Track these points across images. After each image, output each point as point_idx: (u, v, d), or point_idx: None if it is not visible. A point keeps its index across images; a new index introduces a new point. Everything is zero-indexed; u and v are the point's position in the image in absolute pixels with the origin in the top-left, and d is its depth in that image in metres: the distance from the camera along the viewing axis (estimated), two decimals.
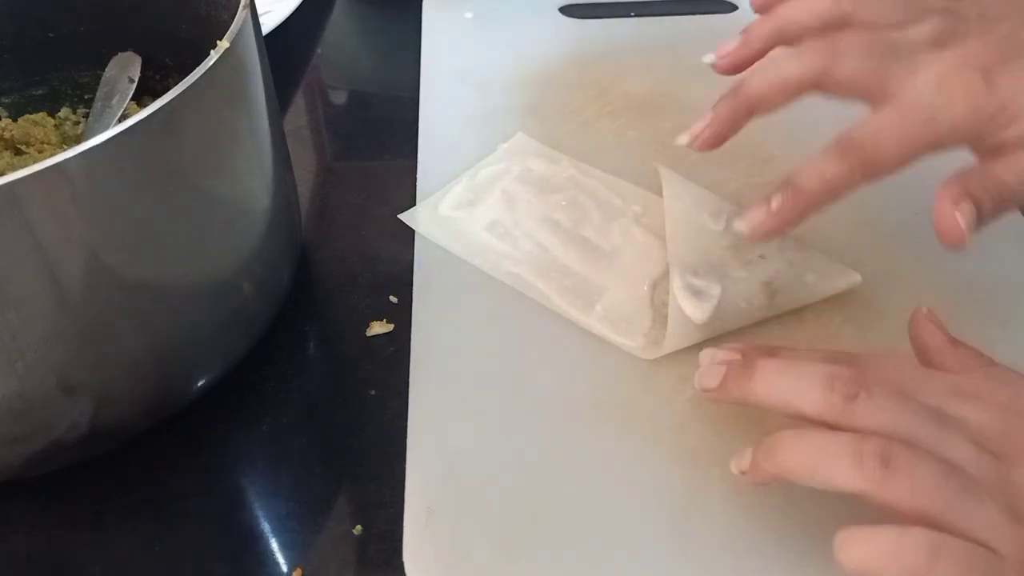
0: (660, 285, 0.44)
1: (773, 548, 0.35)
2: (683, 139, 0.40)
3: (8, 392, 0.33)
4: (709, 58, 0.41)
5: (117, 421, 0.38)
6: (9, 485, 0.39)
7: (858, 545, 0.29)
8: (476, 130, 0.54)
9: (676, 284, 0.42)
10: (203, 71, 0.33)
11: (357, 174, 0.56)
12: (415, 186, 0.51)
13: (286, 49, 0.64)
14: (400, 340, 0.44)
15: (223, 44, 0.34)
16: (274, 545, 0.37)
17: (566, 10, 0.65)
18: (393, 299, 0.46)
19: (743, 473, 0.33)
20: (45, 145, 0.48)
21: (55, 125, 0.49)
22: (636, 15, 0.64)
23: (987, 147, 0.36)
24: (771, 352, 0.36)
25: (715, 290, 0.41)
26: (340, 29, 0.69)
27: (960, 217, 0.34)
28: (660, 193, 0.47)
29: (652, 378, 0.40)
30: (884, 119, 0.36)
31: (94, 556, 0.37)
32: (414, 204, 0.50)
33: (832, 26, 0.39)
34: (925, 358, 0.35)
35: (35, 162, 0.29)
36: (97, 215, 0.31)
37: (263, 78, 0.39)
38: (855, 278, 0.42)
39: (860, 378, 0.31)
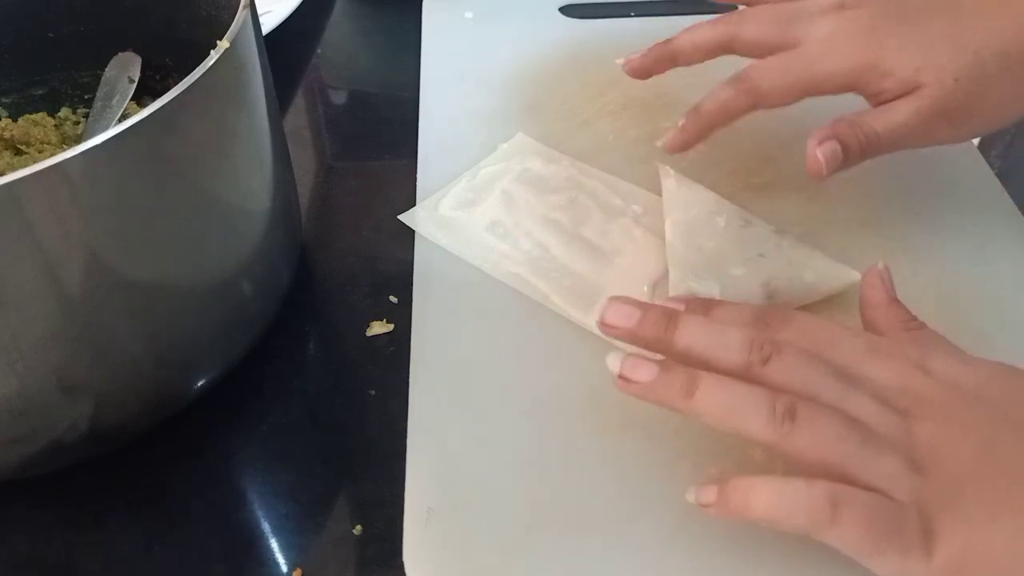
0: (660, 285, 0.44)
1: (773, 548, 0.35)
2: (621, 62, 0.49)
3: (8, 392, 0.33)
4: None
5: (117, 421, 0.38)
6: (9, 485, 0.39)
7: (764, 495, 0.30)
8: (476, 130, 0.54)
9: (675, 284, 0.42)
10: (203, 71, 0.33)
11: (357, 174, 0.56)
12: (415, 186, 0.51)
13: (286, 49, 0.64)
14: (400, 340, 0.44)
15: (223, 44, 0.34)
16: (274, 545, 0.37)
17: (566, 10, 0.64)
18: (393, 299, 0.46)
19: (627, 381, 0.34)
20: (45, 145, 0.47)
21: (55, 125, 0.49)
22: (636, 15, 0.64)
23: (869, 96, 0.42)
24: (706, 306, 0.38)
25: (714, 289, 0.41)
26: (340, 29, 0.69)
27: (821, 155, 0.40)
28: (660, 193, 0.47)
29: None
30: (774, 59, 0.43)
31: (94, 556, 0.37)
32: (414, 204, 0.49)
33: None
34: (864, 312, 0.38)
35: (35, 162, 0.29)
36: (97, 215, 0.31)
37: (263, 78, 0.39)
38: (854, 277, 0.42)
39: (776, 340, 0.33)
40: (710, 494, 0.32)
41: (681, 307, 0.36)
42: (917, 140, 0.42)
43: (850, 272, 0.43)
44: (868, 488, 0.30)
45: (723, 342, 0.33)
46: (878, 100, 0.42)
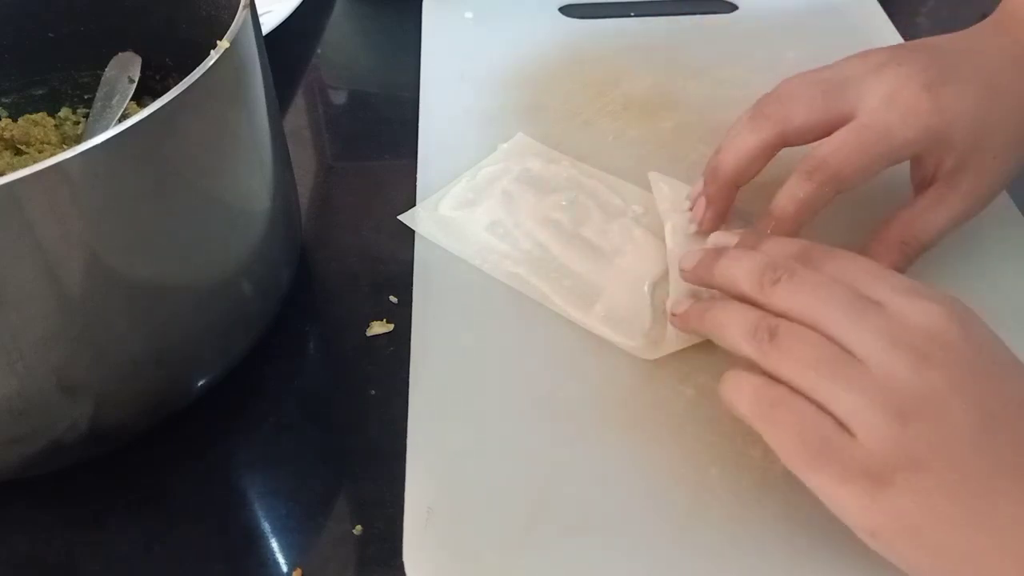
0: (660, 285, 0.44)
1: (773, 547, 0.35)
2: (692, 228, 0.44)
3: (8, 392, 0.33)
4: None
5: (117, 421, 0.38)
6: (9, 485, 0.39)
7: (728, 382, 0.34)
8: (476, 130, 0.54)
9: (675, 286, 0.42)
10: (203, 71, 0.33)
11: (357, 174, 0.56)
12: (415, 186, 0.51)
13: (286, 49, 0.64)
14: (400, 340, 0.44)
15: (223, 44, 0.34)
16: (274, 545, 0.37)
17: (566, 10, 0.64)
18: (393, 299, 0.46)
19: (674, 315, 0.40)
20: (45, 145, 0.47)
21: (55, 125, 0.49)
22: (636, 15, 0.64)
23: (928, 167, 0.41)
24: (757, 239, 0.39)
25: (715, 291, 0.41)
26: (340, 29, 0.69)
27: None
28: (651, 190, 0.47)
29: (652, 378, 0.40)
30: (844, 137, 0.40)
31: (94, 556, 0.37)
32: (414, 204, 0.49)
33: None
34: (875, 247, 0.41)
35: (35, 162, 0.29)
36: (97, 215, 0.31)
37: (263, 78, 0.39)
38: None
39: (793, 266, 0.35)
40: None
41: (734, 240, 0.40)
42: (953, 230, 0.42)
43: None
44: (839, 421, 0.31)
45: (744, 266, 0.36)
46: (930, 176, 0.42)
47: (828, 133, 0.41)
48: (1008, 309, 0.43)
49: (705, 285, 0.39)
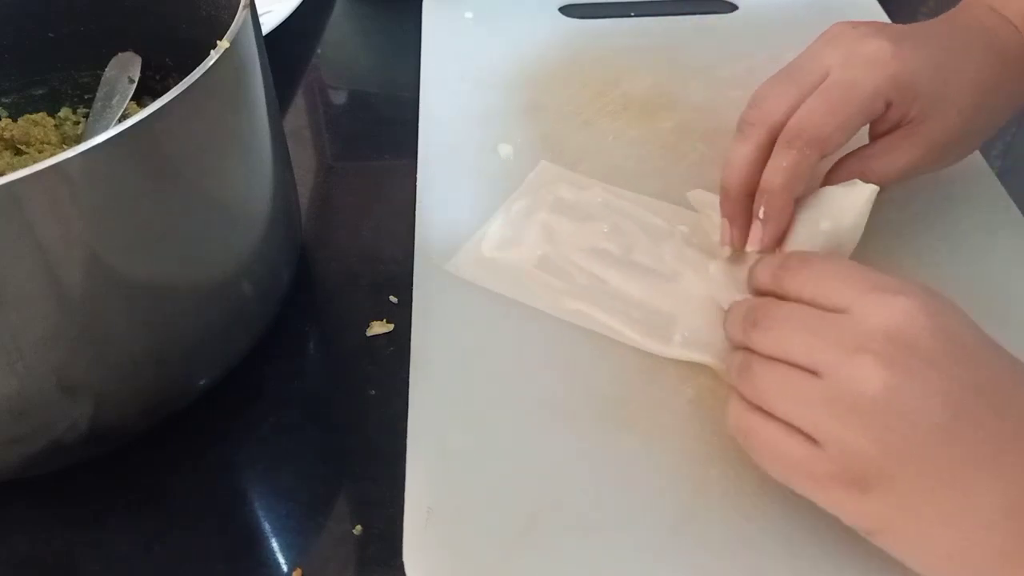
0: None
1: (773, 547, 0.35)
2: (726, 251, 0.44)
3: (8, 392, 0.33)
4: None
5: (117, 421, 0.38)
6: (9, 485, 0.39)
7: (727, 409, 0.35)
8: (476, 130, 0.54)
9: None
10: (203, 71, 0.33)
11: (357, 174, 0.56)
12: (415, 186, 0.51)
13: (286, 49, 0.64)
14: (400, 340, 0.44)
15: (223, 44, 0.34)
16: (274, 545, 0.37)
17: (566, 10, 0.64)
18: (393, 299, 0.46)
19: None
20: (45, 145, 0.47)
21: (55, 125, 0.49)
22: (636, 15, 0.64)
23: (892, 116, 0.42)
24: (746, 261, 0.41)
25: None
26: (340, 29, 0.69)
27: None
28: (690, 207, 0.47)
29: (652, 378, 0.40)
30: (814, 100, 0.41)
31: (94, 556, 0.37)
32: (414, 204, 0.49)
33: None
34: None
35: (35, 162, 0.29)
36: (97, 215, 0.31)
37: (263, 78, 0.39)
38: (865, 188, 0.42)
39: (765, 306, 0.36)
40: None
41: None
42: (908, 177, 0.43)
43: (858, 186, 0.42)
44: (801, 434, 0.32)
45: (732, 317, 0.37)
46: (892, 125, 0.42)
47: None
48: (1008, 309, 0.43)
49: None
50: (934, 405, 0.30)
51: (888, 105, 0.41)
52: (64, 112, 0.50)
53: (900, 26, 0.44)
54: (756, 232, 0.41)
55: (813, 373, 0.32)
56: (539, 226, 0.47)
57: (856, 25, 0.43)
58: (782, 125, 0.41)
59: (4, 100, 0.49)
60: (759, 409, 0.34)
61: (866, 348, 0.31)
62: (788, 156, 0.40)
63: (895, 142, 0.42)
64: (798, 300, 0.35)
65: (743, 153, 0.42)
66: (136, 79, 0.48)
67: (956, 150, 0.44)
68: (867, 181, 0.41)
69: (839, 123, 0.40)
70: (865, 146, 0.43)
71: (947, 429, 0.30)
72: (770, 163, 0.41)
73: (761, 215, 0.41)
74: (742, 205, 0.43)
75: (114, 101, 0.47)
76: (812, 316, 0.34)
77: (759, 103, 0.43)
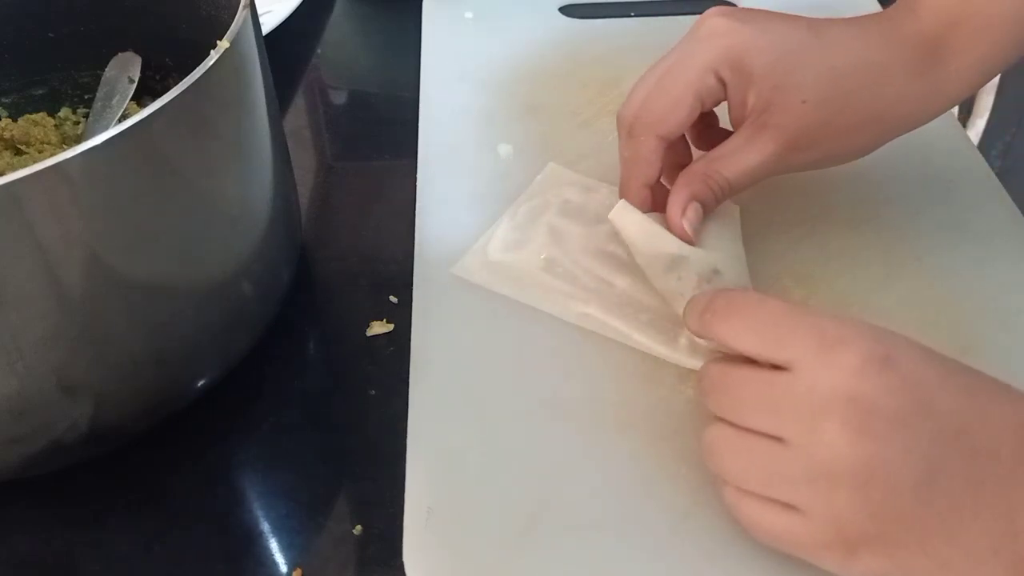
0: None
1: (773, 547, 0.34)
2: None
3: (8, 392, 0.33)
4: None
5: (117, 421, 0.38)
6: (9, 485, 0.39)
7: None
8: (476, 130, 0.54)
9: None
10: (203, 71, 0.33)
11: (357, 174, 0.56)
12: (415, 186, 0.51)
13: (286, 49, 0.64)
14: (400, 340, 0.44)
15: (223, 44, 0.34)
16: (274, 545, 0.37)
17: (566, 10, 0.64)
18: (393, 299, 0.46)
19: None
20: (45, 145, 0.47)
21: (55, 125, 0.49)
22: (636, 15, 0.64)
23: (735, 105, 0.41)
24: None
25: None
26: (340, 29, 0.69)
27: (687, 224, 0.40)
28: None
29: (652, 378, 0.40)
30: (649, 78, 0.42)
31: (94, 556, 0.37)
32: (414, 204, 0.49)
33: None
34: None
35: (35, 162, 0.29)
36: (97, 215, 0.31)
37: (263, 78, 0.39)
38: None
39: (706, 370, 0.35)
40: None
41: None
42: (771, 174, 0.41)
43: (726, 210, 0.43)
44: (777, 503, 0.32)
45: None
46: (740, 115, 0.41)
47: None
48: (1008, 310, 0.43)
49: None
50: (910, 464, 0.29)
51: (722, 83, 0.40)
52: (64, 112, 0.50)
53: (771, 14, 0.41)
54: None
55: (779, 440, 0.31)
56: (546, 228, 0.47)
57: (723, 8, 0.41)
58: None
59: (4, 100, 0.49)
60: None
61: (828, 414, 0.30)
62: (627, 146, 0.41)
63: (744, 139, 0.40)
64: (735, 350, 0.34)
65: (621, 152, 0.43)
66: (136, 79, 0.48)
67: (824, 148, 0.41)
68: (711, 184, 0.40)
69: (669, 102, 0.40)
70: (719, 146, 0.41)
71: (927, 484, 0.29)
72: (620, 153, 0.42)
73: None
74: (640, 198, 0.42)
75: (114, 101, 0.47)
76: (762, 383, 0.32)
77: (626, 101, 0.43)
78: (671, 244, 0.41)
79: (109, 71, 0.48)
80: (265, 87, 0.39)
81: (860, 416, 0.30)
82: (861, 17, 0.42)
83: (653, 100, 0.41)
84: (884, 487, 0.29)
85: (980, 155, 0.51)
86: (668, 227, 0.41)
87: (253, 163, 0.39)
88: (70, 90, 0.50)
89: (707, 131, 0.45)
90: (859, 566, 0.31)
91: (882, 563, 0.30)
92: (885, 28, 0.41)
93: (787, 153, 0.40)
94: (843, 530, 0.30)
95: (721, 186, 0.41)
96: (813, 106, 0.39)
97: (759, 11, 0.42)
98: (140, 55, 0.48)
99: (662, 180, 0.43)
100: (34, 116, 0.49)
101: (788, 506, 0.31)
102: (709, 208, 0.41)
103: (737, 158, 0.40)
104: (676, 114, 0.40)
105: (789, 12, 0.42)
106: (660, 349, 0.41)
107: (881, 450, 0.29)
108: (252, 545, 0.37)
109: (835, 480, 0.30)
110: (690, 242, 0.41)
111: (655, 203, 0.42)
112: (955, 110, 0.51)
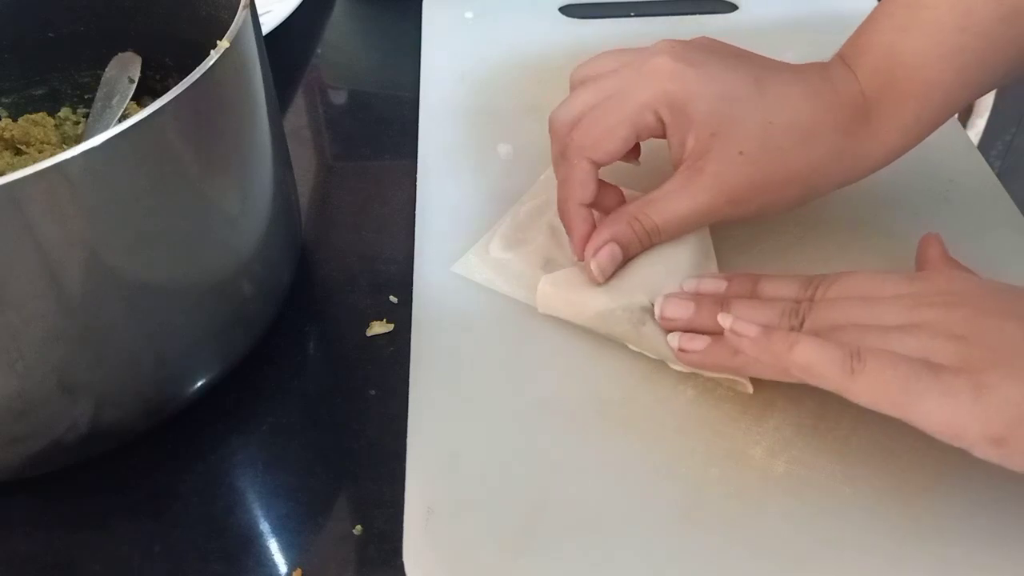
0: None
1: (773, 548, 0.35)
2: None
3: (8, 392, 0.33)
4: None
5: (117, 421, 0.38)
6: (9, 485, 0.39)
7: (805, 348, 0.33)
8: (476, 130, 0.54)
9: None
10: (203, 71, 0.33)
11: (357, 174, 0.56)
12: (415, 186, 0.51)
13: (286, 49, 0.64)
14: (400, 340, 0.44)
15: (223, 44, 0.34)
16: (274, 545, 0.37)
17: (566, 10, 0.65)
18: (393, 299, 0.46)
19: (683, 352, 0.39)
20: (45, 145, 0.47)
21: (55, 125, 0.49)
22: (636, 15, 0.64)
23: (674, 147, 0.41)
24: (752, 281, 0.40)
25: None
26: (340, 29, 0.69)
27: (596, 267, 0.41)
28: None
29: (652, 378, 0.40)
30: (591, 111, 0.41)
31: (94, 556, 0.37)
32: (414, 204, 0.49)
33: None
34: (921, 266, 0.41)
35: (35, 162, 0.29)
36: (97, 215, 0.31)
37: (263, 78, 0.39)
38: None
39: (811, 300, 0.37)
40: (751, 329, 0.35)
41: (724, 285, 0.40)
42: (702, 224, 0.42)
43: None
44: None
45: (766, 314, 0.37)
46: (678, 157, 0.41)
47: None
48: None
49: (712, 332, 0.38)
50: (1008, 317, 0.33)
51: (661, 121, 0.40)
52: (64, 112, 0.50)
53: (723, 53, 0.42)
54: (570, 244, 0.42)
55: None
56: (547, 228, 0.47)
57: (675, 43, 0.42)
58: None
59: (4, 100, 0.49)
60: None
61: (932, 303, 0.34)
62: (561, 170, 0.42)
63: (678, 184, 0.41)
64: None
65: (554, 168, 0.43)
66: (136, 79, 0.48)
67: (757, 202, 0.41)
68: (636, 228, 0.41)
69: (604, 130, 0.40)
70: (652, 191, 0.41)
71: None
72: (556, 177, 0.42)
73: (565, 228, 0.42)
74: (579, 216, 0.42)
75: (114, 101, 0.47)
76: (861, 301, 0.36)
77: (561, 109, 0.43)
78: (597, 301, 0.41)
79: (109, 71, 0.48)
80: (265, 87, 0.39)
81: (957, 297, 0.34)
82: (805, 69, 0.42)
83: (589, 125, 0.41)
84: (990, 331, 0.32)
85: (980, 155, 0.51)
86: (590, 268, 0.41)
87: (253, 163, 0.39)
88: (70, 90, 0.50)
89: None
90: (992, 399, 0.30)
91: (1014, 393, 0.30)
92: (823, 87, 0.41)
93: (721, 204, 0.40)
94: (968, 362, 0.31)
95: (648, 230, 0.41)
96: (749, 159, 0.40)
97: (710, 52, 0.42)
98: (140, 55, 0.48)
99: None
100: (34, 116, 0.49)
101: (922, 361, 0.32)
102: (630, 252, 0.41)
103: (669, 203, 0.41)
104: (610, 143, 0.41)
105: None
106: (662, 350, 0.41)
107: (978, 311, 0.33)
108: (252, 545, 0.37)
109: (946, 330, 0.33)
110: (596, 281, 0.41)
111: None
112: None
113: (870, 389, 0.32)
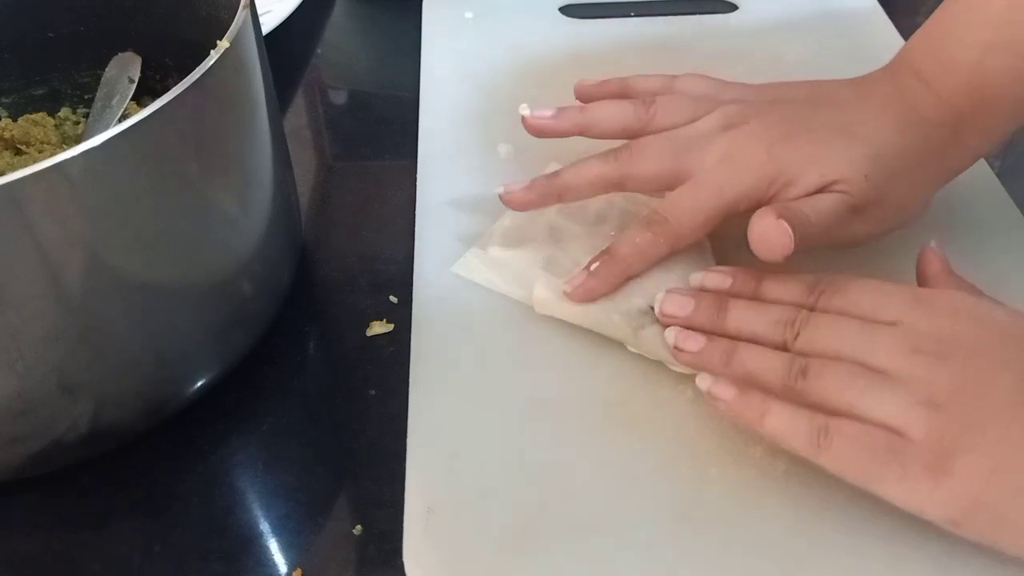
0: None
1: (773, 547, 0.35)
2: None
3: (8, 392, 0.33)
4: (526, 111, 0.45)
5: (117, 421, 0.38)
6: (9, 485, 0.39)
7: (776, 416, 0.35)
8: (476, 130, 0.54)
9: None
10: (203, 71, 0.33)
11: (357, 174, 0.56)
12: (415, 186, 0.51)
13: (286, 49, 0.64)
14: (400, 340, 0.44)
15: (223, 44, 0.34)
16: (274, 545, 0.37)
17: (566, 10, 0.65)
18: (393, 299, 0.46)
19: (678, 350, 0.39)
20: (45, 145, 0.47)
21: (55, 125, 0.49)
22: (636, 15, 0.64)
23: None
24: (756, 280, 0.40)
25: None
26: (340, 29, 0.69)
27: (780, 235, 0.38)
28: None
29: (652, 378, 0.40)
30: (681, 195, 0.42)
31: (94, 556, 0.37)
32: (414, 204, 0.49)
33: (633, 132, 0.44)
34: (923, 283, 0.40)
35: (35, 162, 0.29)
36: (97, 215, 0.31)
37: (263, 78, 0.39)
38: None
39: (808, 313, 0.37)
40: (727, 392, 0.36)
41: (728, 281, 0.40)
42: (836, 233, 0.41)
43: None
44: (879, 426, 0.33)
45: (762, 320, 0.38)
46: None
47: (671, 187, 0.42)
48: None
49: (708, 331, 0.39)
50: (996, 382, 0.33)
51: (767, 192, 0.41)
52: (64, 112, 0.50)
53: (800, 116, 0.42)
54: (578, 279, 0.41)
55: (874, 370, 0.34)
56: (546, 227, 0.47)
57: (750, 118, 0.42)
58: (637, 181, 0.43)
59: (4, 100, 0.49)
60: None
61: (924, 349, 0.34)
62: (644, 236, 0.41)
63: (815, 196, 0.41)
64: (853, 313, 0.36)
65: (593, 171, 0.43)
66: (136, 79, 0.48)
67: (878, 214, 0.42)
68: (800, 225, 0.39)
69: (699, 222, 0.41)
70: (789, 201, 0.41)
71: (1015, 399, 0.32)
72: (627, 232, 0.42)
73: (592, 268, 0.41)
74: (544, 200, 0.44)
75: (114, 101, 0.47)
76: (860, 324, 0.36)
77: (634, 151, 0.43)
78: (594, 307, 0.41)
79: (109, 71, 0.48)
80: (265, 87, 0.39)
81: (950, 348, 0.34)
82: (885, 99, 0.43)
83: (684, 213, 0.41)
84: (975, 401, 0.32)
85: None
86: (760, 241, 0.39)
87: (253, 163, 0.39)
88: (70, 90, 0.50)
89: None
90: (953, 487, 0.31)
91: (974, 484, 0.31)
92: (911, 115, 0.42)
93: (850, 214, 0.41)
94: (934, 443, 0.32)
95: (803, 221, 0.39)
96: (872, 183, 0.41)
97: (796, 113, 0.43)
98: (140, 55, 0.48)
99: None
100: (34, 116, 0.49)
101: (884, 429, 0.33)
102: (798, 234, 0.39)
103: (814, 203, 0.40)
104: (699, 229, 0.41)
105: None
106: (660, 352, 0.41)
107: (967, 371, 0.33)
108: (252, 545, 0.37)
109: (924, 395, 0.33)
110: (783, 255, 0.39)
111: None
112: None
113: (835, 464, 0.33)
